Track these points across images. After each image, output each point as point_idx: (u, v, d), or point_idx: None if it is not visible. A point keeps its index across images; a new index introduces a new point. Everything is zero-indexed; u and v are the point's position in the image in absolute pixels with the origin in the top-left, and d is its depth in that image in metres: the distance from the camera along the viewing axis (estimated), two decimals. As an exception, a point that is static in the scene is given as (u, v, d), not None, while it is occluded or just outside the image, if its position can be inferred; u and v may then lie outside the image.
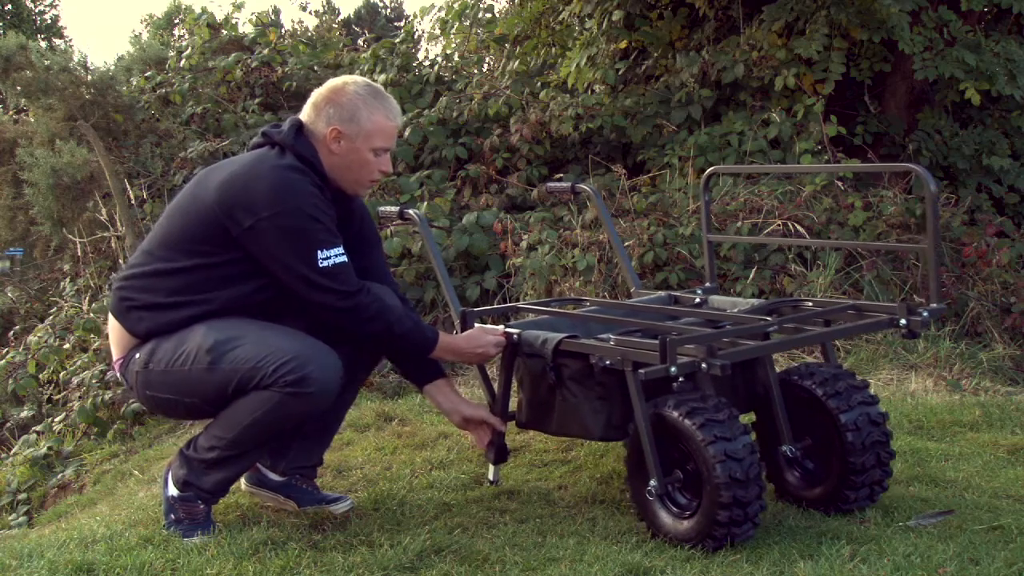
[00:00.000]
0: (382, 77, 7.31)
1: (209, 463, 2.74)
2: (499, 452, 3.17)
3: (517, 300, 5.24)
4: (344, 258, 2.70)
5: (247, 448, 2.72)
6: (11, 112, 9.97)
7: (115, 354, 2.87)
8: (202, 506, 2.79)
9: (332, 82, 2.86)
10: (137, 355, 2.77)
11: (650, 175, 6.31)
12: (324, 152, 2.78)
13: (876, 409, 2.86)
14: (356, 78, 2.87)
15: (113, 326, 2.85)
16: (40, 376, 5.79)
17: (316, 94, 2.84)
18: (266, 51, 8.59)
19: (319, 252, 2.66)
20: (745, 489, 2.53)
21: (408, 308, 3.00)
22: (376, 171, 2.83)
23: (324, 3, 28.34)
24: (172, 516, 2.80)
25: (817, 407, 2.86)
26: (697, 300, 3.43)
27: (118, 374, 2.90)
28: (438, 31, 8.51)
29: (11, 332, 7.30)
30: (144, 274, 2.78)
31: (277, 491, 2.99)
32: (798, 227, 5.46)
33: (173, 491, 2.80)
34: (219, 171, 2.77)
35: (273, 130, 2.81)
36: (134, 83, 8.94)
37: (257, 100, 8.24)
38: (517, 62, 7.72)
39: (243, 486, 3.07)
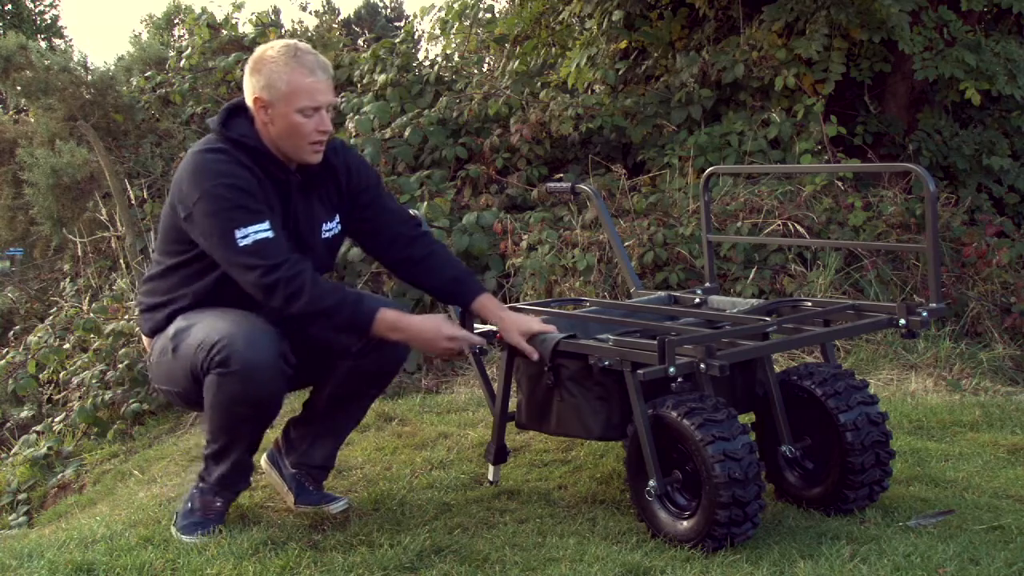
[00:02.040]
0: (382, 77, 7.30)
1: (209, 458, 2.84)
2: (499, 452, 3.17)
3: (517, 300, 5.24)
4: (268, 233, 2.63)
5: (224, 439, 2.76)
6: (11, 112, 9.97)
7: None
8: (219, 503, 2.84)
9: (255, 52, 2.80)
10: (148, 352, 2.94)
11: (650, 175, 6.31)
12: (262, 125, 2.75)
13: (875, 409, 2.86)
14: (277, 42, 2.78)
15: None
16: (40, 376, 5.79)
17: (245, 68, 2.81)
18: (266, 51, 8.56)
19: (236, 231, 2.61)
20: (744, 488, 2.53)
21: (430, 239, 3.00)
22: (313, 131, 2.72)
23: (324, 3, 28.33)
24: (188, 505, 2.85)
25: (816, 407, 2.86)
26: (697, 300, 3.43)
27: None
28: (438, 31, 8.50)
29: (11, 332, 7.30)
30: (147, 279, 2.93)
31: (284, 480, 3.05)
32: (798, 227, 5.46)
33: (200, 484, 2.89)
34: None
35: (211, 118, 2.82)
36: (134, 83, 8.93)
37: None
38: (517, 62, 7.72)
39: (263, 461, 3.15)
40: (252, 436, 2.83)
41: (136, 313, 2.97)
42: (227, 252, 2.63)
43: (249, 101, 2.76)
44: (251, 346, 2.60)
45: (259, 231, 2.63)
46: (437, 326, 2.80)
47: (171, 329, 2.77)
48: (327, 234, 2.91)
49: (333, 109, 2.83)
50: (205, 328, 2.67)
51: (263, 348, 2.62)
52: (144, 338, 2.98)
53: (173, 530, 2.82)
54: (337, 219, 2.94)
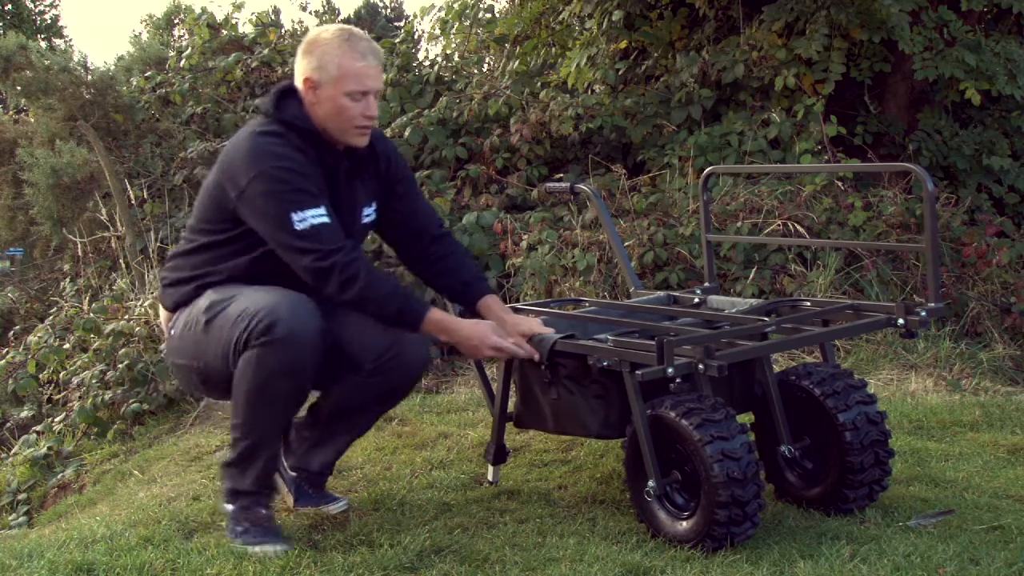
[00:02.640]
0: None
1: (240, 460, 2.73)
2: (498, 452, 3.17)
3: (517, 300, 5.24)
4: (325, 219, 2.65)
5: (261, 429, 2.69)
6: (11, 112, 9.97)
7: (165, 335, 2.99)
8: (263, 511, 2.74)
9: (309, 33, 2.82)
10: (169, 326, 2.89)
11: (650, 175, 6.31)
12: (310, 106, 2.75)
13: (874, 408, 2.86)
14: (332, 25, 2.81)
15: (161, 309, 2.97)
16: (40, 376, 5.79)
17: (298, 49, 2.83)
18: (266, 51, 8.58)
19: (294, 215, 2.61)
20: (743, 488, 2.53)
21: (451, 239, 3.04)
22: (359, 116, 2.74)
23: (324, 3, 28.30)
24: (238, 528, 2.73)
25: (815, 407, 2.86)
26: (696, 300, 3.43)
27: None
28: (438, 31, 8.50)
29: (11, 332, 7.29)
30: (175, 255, 2.91)
31: (285, 482, 3.03)
32: (798, 227, 5.46)
33: (228, 506, 2.78)
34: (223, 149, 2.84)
35: (261, 100, 2.83)
36: (134, 83, 8.93)
37: (257, 100, 8.23)
38: (517, 62, 7.72)
39: None
40: (282, 425, 2.79)
41: (160, 289, 2.94)
42: (282, 234, 2.63)
43: (299, 82, 2.77)
44: (294, 316, 2.58)
45: (316, 215, 2.63)
46: (484, 334, 2.81)
47: (203, 301, 2.74)
48: (365, 219, 2.92)
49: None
50: (245, 300, 2.64)
51: (306, 318, 2.60)
52: (163, 313, 2.94)
53: (234, 543, 2.72)
54: (374, 205, 2.94)
